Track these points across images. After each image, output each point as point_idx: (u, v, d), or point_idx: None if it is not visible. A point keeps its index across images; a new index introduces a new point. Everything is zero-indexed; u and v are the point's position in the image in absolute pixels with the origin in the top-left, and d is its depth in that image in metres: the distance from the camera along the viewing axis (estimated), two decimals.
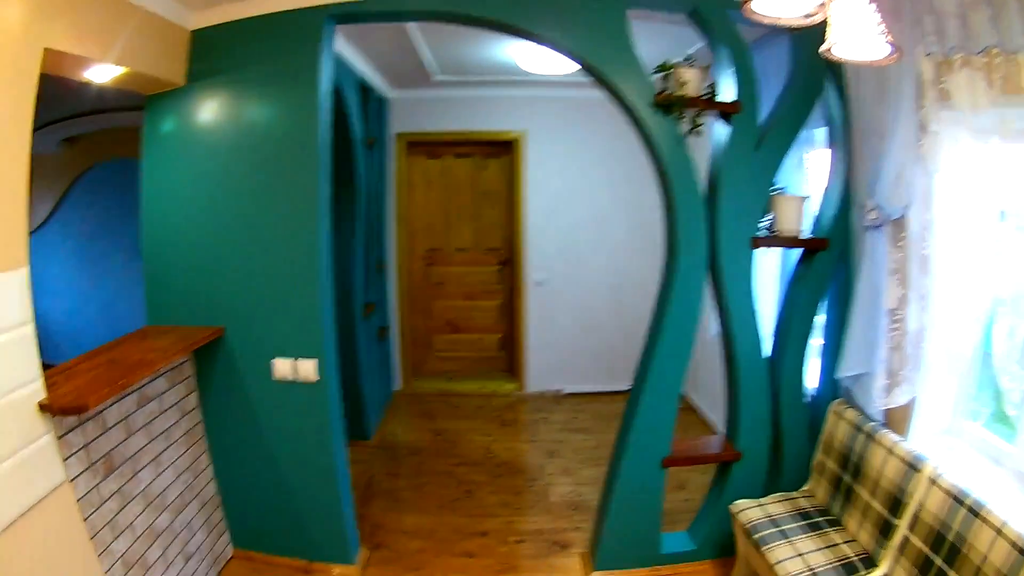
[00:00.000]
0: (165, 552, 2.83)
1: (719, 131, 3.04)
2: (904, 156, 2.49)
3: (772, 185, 3.07)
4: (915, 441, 2.59)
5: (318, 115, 2.91)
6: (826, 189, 3.17)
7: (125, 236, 6.04)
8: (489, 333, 6.50)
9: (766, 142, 2.98)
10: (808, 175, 3.61)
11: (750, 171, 2.98)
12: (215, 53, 3.02)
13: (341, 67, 4.22)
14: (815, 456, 3.08)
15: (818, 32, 1.63)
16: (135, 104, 3.13)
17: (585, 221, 5.99)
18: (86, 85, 2.77)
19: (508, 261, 6.29)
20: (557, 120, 5.84)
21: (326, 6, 2.90)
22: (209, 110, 3.07)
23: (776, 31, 3.23)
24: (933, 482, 2.28)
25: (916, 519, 2.31)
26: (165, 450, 2.89)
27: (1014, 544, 1.87)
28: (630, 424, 3.13)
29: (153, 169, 3.15)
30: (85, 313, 6.72)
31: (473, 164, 6.22)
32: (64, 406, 2.08)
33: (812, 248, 3.09)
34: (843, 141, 3.01)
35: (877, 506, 2.54)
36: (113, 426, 2.50)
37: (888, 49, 1.57)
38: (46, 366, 2.21)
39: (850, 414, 2.91)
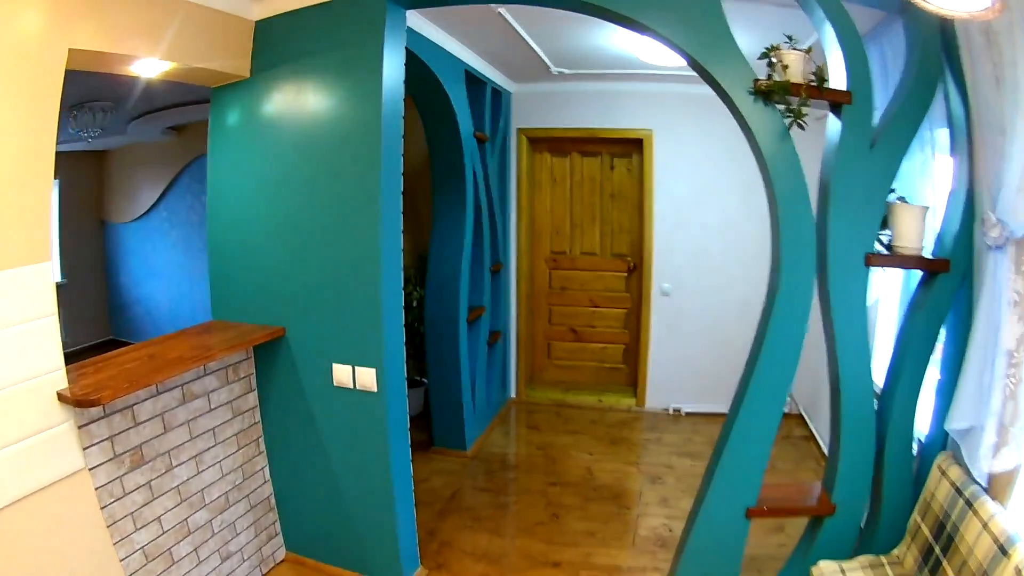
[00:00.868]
0: (197, 549, 3.00)
1: (831, 126, 2.71)
2: None
3: (890, 192, 2.71)
4: (1015, 515, 2.16)
5: (381, 107, 2.84)
6: (949, 199, 2.70)
7: None
8: (612, 343, 6.22)
9: (882, 140, 2.64)
10: (932, 182, 3.05)
11: (864, 174, 2.65)
12: (278, 44, 3.08)
13: (443, 59, 4.08)
14: (912, 515, 2.66)
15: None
16: None
17: (714, 228, 5.63)
18: None
19: (635, 268, 6.00)
20: (685, 118, 5.49)
21: None
22: (272, 103, 3.13)
23: (889, 20, 2.92)
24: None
25: None
26: (210, 448, 3.07)
27: None
28: (715, 465, 2.88)
29: (218, 163, 3.31)
30: (190, 299, 7.26)
31: (600, 163, 5.94)
32: (79, 398, 2.23)
33: (932, 270, 2.68)
34: (965, 141, 2.57)
35: None
36: (146, 420, 2.68)
37: None
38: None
39: (954, 472, 2.49)
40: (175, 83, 3.31)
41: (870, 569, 2.63)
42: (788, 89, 2.56)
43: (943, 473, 2.54)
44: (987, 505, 2.20)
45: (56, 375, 2.34)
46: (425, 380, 5.20)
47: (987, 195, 2.34)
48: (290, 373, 3.24)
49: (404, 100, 3.07)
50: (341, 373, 3.10)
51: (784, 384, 2.77)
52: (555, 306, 6.25)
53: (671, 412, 5.81)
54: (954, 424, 2.41)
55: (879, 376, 2.87)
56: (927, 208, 2.74)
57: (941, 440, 2.72)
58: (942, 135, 2.87)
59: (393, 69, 2.91)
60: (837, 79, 2.65)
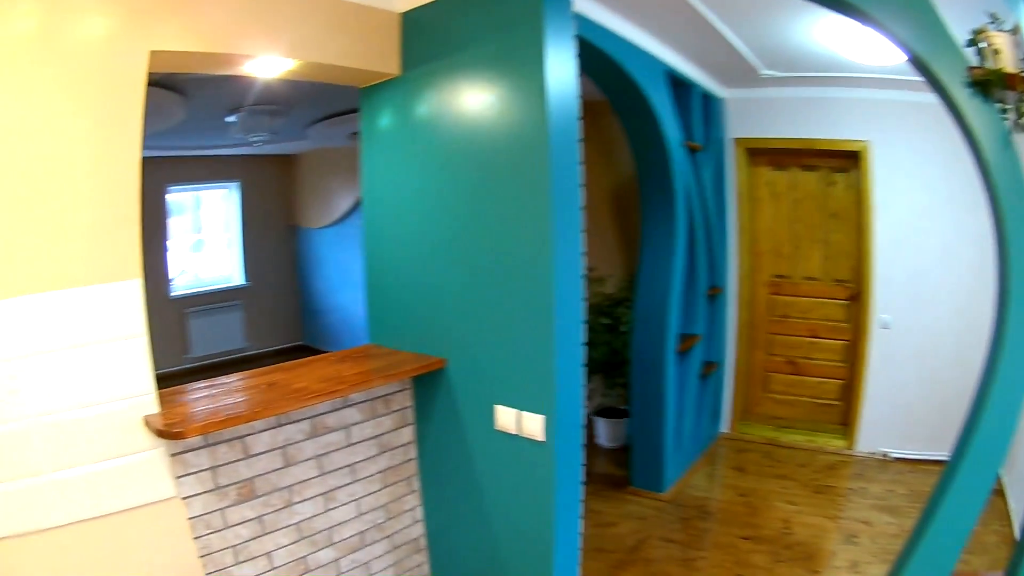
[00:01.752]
0: None
1: None
2: None
3: None
4: None
5: (547, 108, 2.35)
6: None
7: None
8: (829, 378, 5.66)
9: None
10: None
11: None
12: (428, 36, 2.77)
13: (639, 59, 3.61)
14: None
15: None
16: None
17: (933, 254, 4.98)
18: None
19: (856, 296, 5.37)
20: (905, 129, 4.86)
21: None
22: (424, 103, 2.80)
23: None
24: None
25: None
26: (346, 485, 2.82)
27: None
28: (918, 540, 2.41)
29: (371, 171, 3.07)
30: None
31: (820, 178, 5.40)
32: (161, 429, 2.13)
33: None
34: None
35: None
36: (261, 453, 2.52)
37: None
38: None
39: None
40: (351, 87, 3.12)
41: None
42: (1003, 79, 2.17)
43: None
44: None
45: (145, 399, 2.21)
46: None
47: None
48: (450, 410, 2.87)
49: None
50: (504, 417, 2.65)
51: (1004, 442, 2.32)
52: (775, 335, 5.83)
53: (880, 456, 5.28)
54: None
55: None
56: None
57: None
58: None
59: (561, 62, 2.42)
60: None
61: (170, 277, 7.79)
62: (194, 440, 2.32)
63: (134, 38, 2.16)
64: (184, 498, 2.29)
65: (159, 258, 7.69)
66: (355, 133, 6.17)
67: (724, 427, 5.75)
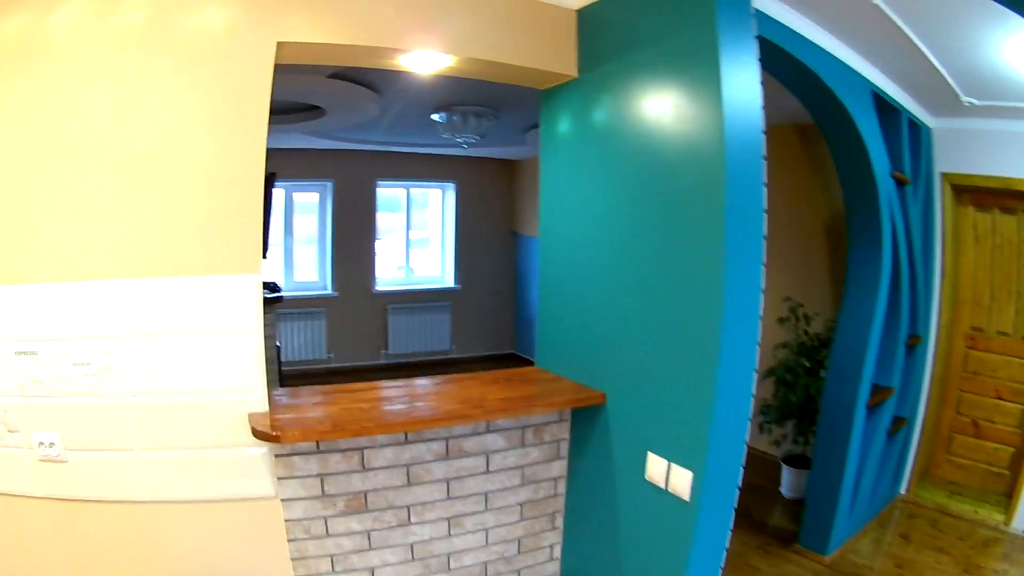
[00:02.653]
0: None
1: None
2: None
3: None
4: None
5: (723, 122, 1.96)
6: None
7: None
8: (1003, 444, 4.89)
9: None
10: None
11: None
12: (603, 35, 2.48)
13: (843, 76, 3.07)
14: None
15: None
16: None
17: None
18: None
19: None
20: None
21: None
22: (600, 109, 2.52)
23: None
24: None
25: None
26: (476, 513, 2.58)
27: None
28: None
29: (549, 182, 2.86)
30: None
31: (1018, 223, 4.61)
32: (259, 429, 2.03)
33: None
34: None
35: None
36: (381, 468, 2.36)
37: None
38: None
39: None
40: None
41: None
42: None
43: None
44: None
45: (253, 396, 2.18)
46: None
47: None
48: (604, 449, 2.56)
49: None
50: (655, 466, 2.29)
51: None
52: (965, 393, 5.14)
53: None
54: None
55: None
56: None
57: None
58: None
59: (739, 65, 2.03)
60: None
61: (375, 271, 8.01)
62: (304, 445, 2.20)
63: (260, 29, 2.08)
64: (284, 500, 2.24)
65: (365, 251, 7.96)
66: None
67: (903, 488, 5.14)
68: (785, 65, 2.72)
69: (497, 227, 8.78)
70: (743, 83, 2.03)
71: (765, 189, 2.06)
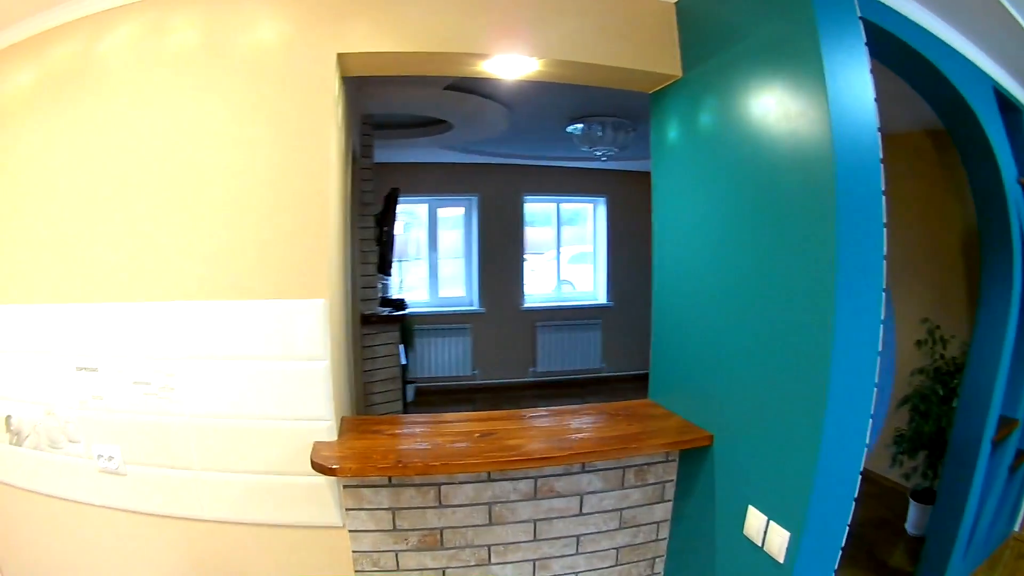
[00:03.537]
0: None
1: None
2: None
3: None
4: None
5: (830, 127, 1.66)
6: None
7: None
8: None
9: None
10: None
11: None
12: (703, 28, 2.23)
13: (965, 71, 2.61)
14: None
15: None
16: None
17: None
18: None
19: None
20: None
21: None
22: (705, 111, 2.26)
23: None
24: None
25: None
26: (566, 556, 2.39)
27: None
28: None
29: (659, 197, 2.61)
30: None
31: None
32: (317, 460, 1.97)
33: None
34: None
35: None
36: (460, 506, 2.23)
37: None
38: None
39: None
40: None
41: None
42: None
43: None
44: None
45: (321, 424, 2.12)
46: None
47: None
48: (708, 496, 2.29)
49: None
50: (754, 522, 2.01)
51: None
52: None
53: None
54: None
55: None
56: None
57: None
58: None
59: (845, 55, 1.72)
60: None
61: (523, 287, 7.95)
62: (375, 477, 2.12)
63: (318, 42, 2.04)
64: (352, 531, 2.18)
65: (512, 266, 7.91)
66: None
67: (1016, 526, 4.46)
68: (902, 57, 2.36)
69: (649, 243, 8.43)
70: (849, 71, 1.71)
71: (884, 199, 1.71)
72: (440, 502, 2.20)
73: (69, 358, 2.15)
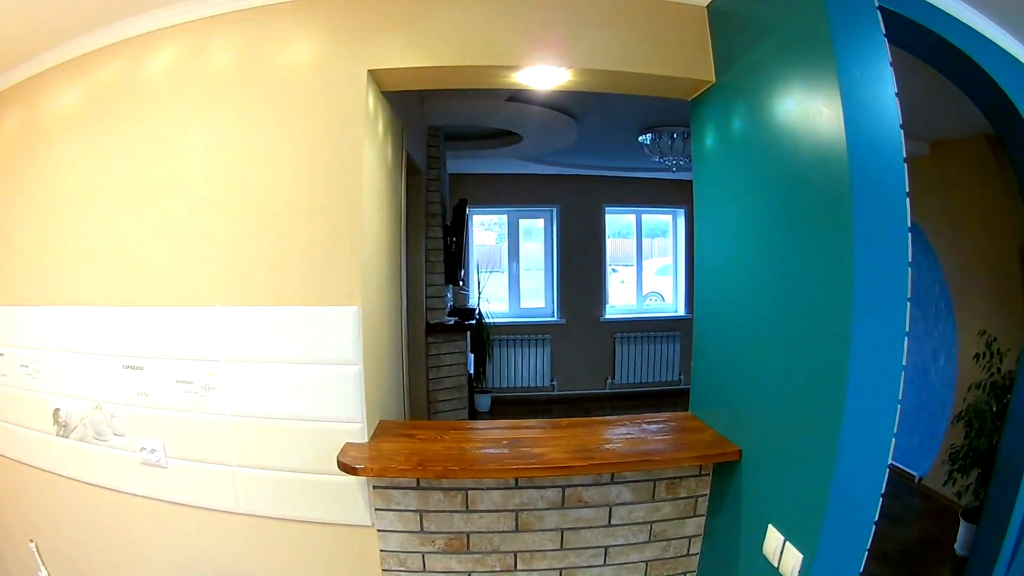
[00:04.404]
0: None
1: None
2: None
3: None
4: None
5: (844, 134, 1.59)
6: None
7: None
8: None
9: None
10: None
11: None
12: (732, 30, 2.19)
13: (1011, 70, 2.42)
14: None
15: None
16: None
17: None
18: None
19: None
20: None
21: None
22: (735, 115, 2.22)
23: None
24: None
25: None
26: (592, 567, 2.37)
27: None
28: None
29: (700, 206, 2.57)
30: None
31: None
32: (343, 461, 2.05)
33: None
34: None
35: None
36: (486, 511, 2.26)
37: None
38: None
39: None
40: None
41: None
42: None
43: None
44: None
45: (353, 427, 2.21)
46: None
47: None
48: (734, 511, 2.24)
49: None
50: (772, 541, 1.94)
51: None
52: None
53: None
54: None
55: None
56: None
57: None
58: None
59: (868, 60, 1.66)
60: None
61: (605, 298, 7.93)
62: (404, 480, 2.19)
63: (349, 59, 2.12)
64: (380, 530, 2.24)
65: (593, 277, 7.91)
66: None
67: None
68: (941, 54, 2.24)
69: None
70: (866, 65, 1.64)
71: (908, 201, 1.64)
72: (467, 506, 2.23)
73: (117, 357, 2.32)
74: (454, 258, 4.87)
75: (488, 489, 2.23)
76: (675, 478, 2.35)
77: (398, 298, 3.07)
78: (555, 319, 7.82)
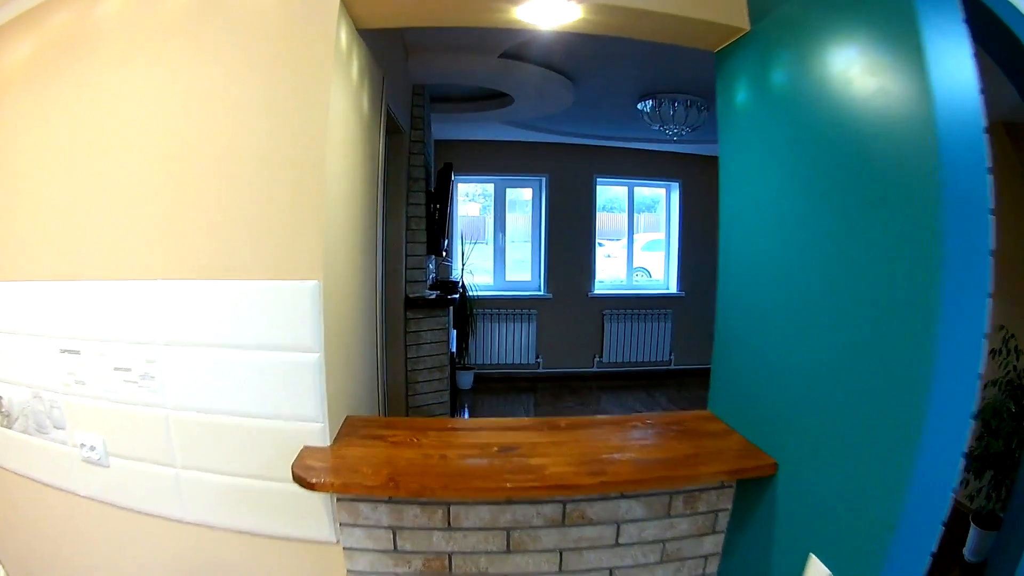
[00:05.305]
0: None
1: None
2: None
3: None
4: None
5: (926, 76, 1.25)
6: None
7: None
8: None
9: None
10: None
11: None
12: None
13: None
14: None
15: None
16: None
17: None
18: None
19: None
20: None
21: None
22: (776, 69, 1.83)
23: None
24: None
25: None
26: None
27: None
28: None
29: (726, 174, 2.20)
30: None
31: None
32: (296, 471, 1.68)
33: None
34: None
35: None
36: (473, 529, 1.89)
37: None
38: None
39: None
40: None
41: None
42: None
43: None
44: None
45: (313, 427, 1.82)
46: None
47: None
48: (765, 533, 1.88)
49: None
50: (815, 573, 1.61)
51: None
52: None
53: None
54: None
55: None
56: None
57: None
58: None
59: (946, 17, 1.31)
60: None
61: (594, 274, 7.55)
62: (375, 492, 1.80)
63: None
64: (347, 548, 1.89)
65: (582, 251, 7.53)
66: None
67: None
68: (991, 32, 1.86)
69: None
70: (943, 16, 1.29)
71: (990, 180, 1.27)
72: (449, 524, 1.87)
73: (54, 339, 1.94)
74: (438, 227, 4.46)
75: (475, 504, 1.86)
76: (694, 491, 2.00)
77: (374, 270, 2.67)
78: (542, 293, 7.45)
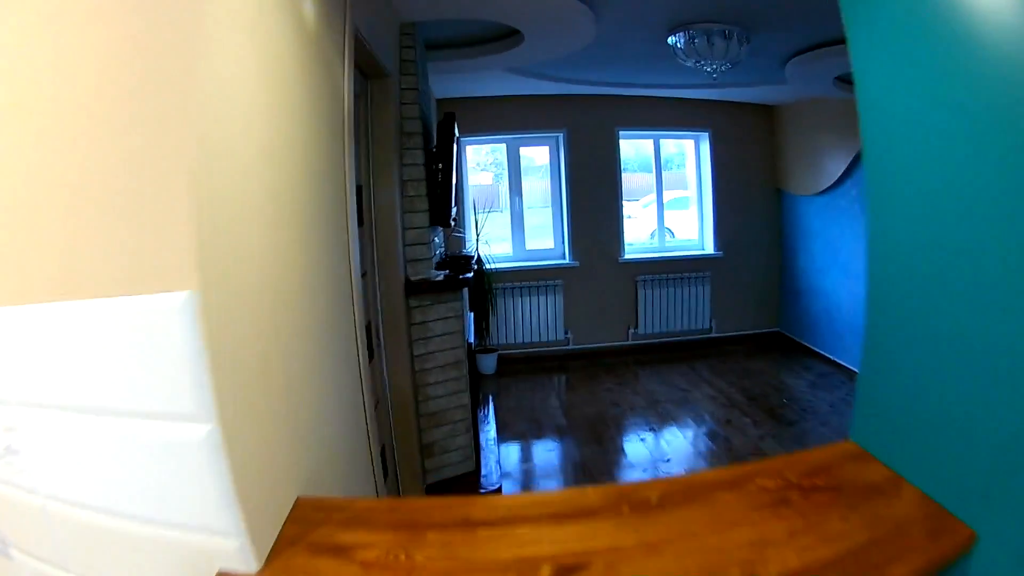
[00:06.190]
0: None
1: None
2: None
3: None
4: None
5: None
6: None
7: None
8: None
9: None
10: None
11: None
12: None
13: None
14: None
15: None
16: None
17: None
18: None
19: None
20: None
21: None
22: None
23: None
24: None
25: None
26: None
27: None
28: None
29: (876, 94, 1.39)
30: None
31: None
32: None
33: None
34: None
35: None
36: None
37: None
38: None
39: None
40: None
41: None
42: None
43: None
44: None
45: (228, 544, 1.05)
46: None
47: None
48: None
49: None
50: None
51: None
52: None
53: None
54: None
55: None
56: None
57: None
58: None
59: None
60: None
61: (623, 236, 6.73)
62: None
63: None
64: None
65: (608, 212, 6.71)
66: (842, 77, 4.84)
67: None
68: None
69: (759, 183, 7.11)
70: None
71: None
72: None
73: None
74: (442, 191, 3.66)
75: None
76: None
77: (345, 252, 1.90)
78: (567, 261, 6.67)
